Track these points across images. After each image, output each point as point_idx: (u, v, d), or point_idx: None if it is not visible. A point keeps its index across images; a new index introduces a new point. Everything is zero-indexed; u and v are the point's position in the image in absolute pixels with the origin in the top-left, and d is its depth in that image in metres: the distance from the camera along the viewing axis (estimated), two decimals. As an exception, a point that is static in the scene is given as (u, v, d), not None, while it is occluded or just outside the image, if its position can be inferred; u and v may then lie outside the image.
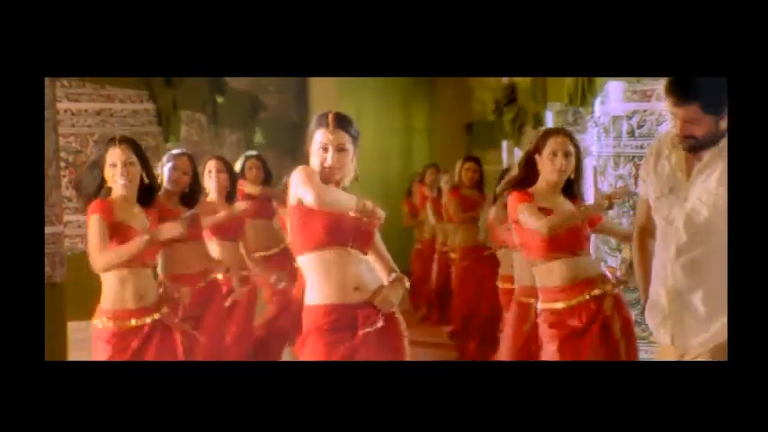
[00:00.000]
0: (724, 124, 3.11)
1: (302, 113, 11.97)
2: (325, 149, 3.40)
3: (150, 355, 3.86)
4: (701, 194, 3.12)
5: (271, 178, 6.64)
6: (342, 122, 3.42)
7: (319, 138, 3.40)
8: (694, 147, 3.19)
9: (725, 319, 2.96)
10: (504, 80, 11.04)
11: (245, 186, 6.55)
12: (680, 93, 3.12)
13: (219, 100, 7.52)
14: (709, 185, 3.11)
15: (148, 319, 3.90)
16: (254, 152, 6.95)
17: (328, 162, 3.39)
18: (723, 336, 2.93)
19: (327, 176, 3.40)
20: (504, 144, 10.55)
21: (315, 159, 3.43)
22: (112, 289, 3.88)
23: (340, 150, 3.39)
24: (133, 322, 3.87)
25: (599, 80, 5.24)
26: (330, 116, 3.43)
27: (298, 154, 10.21)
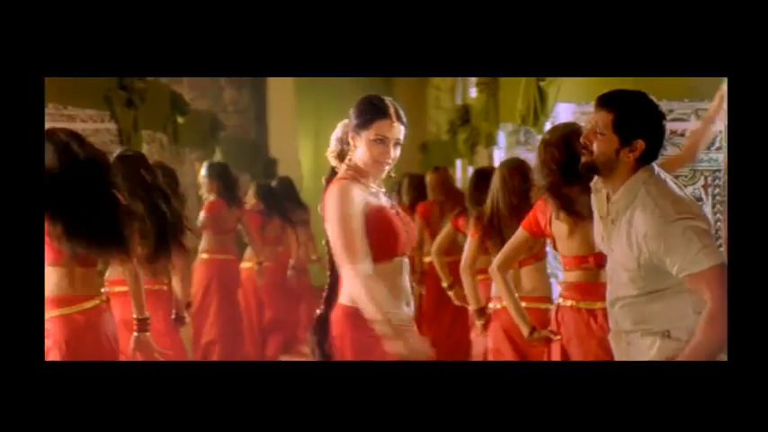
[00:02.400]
0: (628, 161, 2.96)
1: (261, 133, 11.96)
2: (384, 142, 3.17)
3: None
4: (626, 243, 2.99)
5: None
6: (401, 114, 3.22)
7: (378, 128, 3.16)
8: (585, 164, 3.04)
9: (656, 348, 2.98)
10: (458, 101, 11.11)
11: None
12: (603, 96, 3.03)
13: (180, 120, 7.48)
14: (631, 233, 2.96)
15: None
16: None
17: (391, 156, 3.18)
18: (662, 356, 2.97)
19: (375, 171, 3.22)
20: (459, 163, 10.60)
21: (365, 151, 3.19)
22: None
23: (397, 145, 3.21)
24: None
25: (551, 101, 5.30)
26: (391, 106, 3.19)
27: (255, 171, 10.06)
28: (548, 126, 5.62)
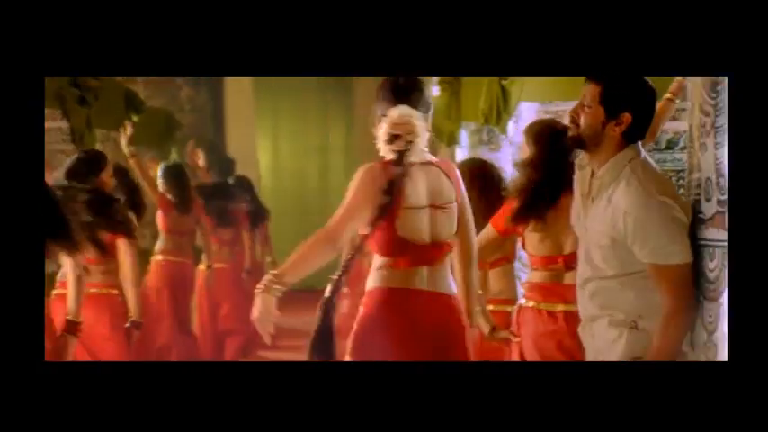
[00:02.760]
0: (614, 135, 2.98)
1: (218, 132, 11.88)
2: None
3: None
4: (601, 221, 3.00)
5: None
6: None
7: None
8: (573, 138, 3.06)
9: (623, 340, 3.00)
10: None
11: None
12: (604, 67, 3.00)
13: (135, 119, 7.42)
14: (609, 210, 2.97)
15: None
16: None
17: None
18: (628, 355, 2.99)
19: None
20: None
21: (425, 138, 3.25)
22: None
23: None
24: None
25: (513, 100, 5.31)
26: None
27: (213, 171, 9.97)
28: (510, 125, 5.64)
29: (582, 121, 3.03)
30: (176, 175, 7.29)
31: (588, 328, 3.13)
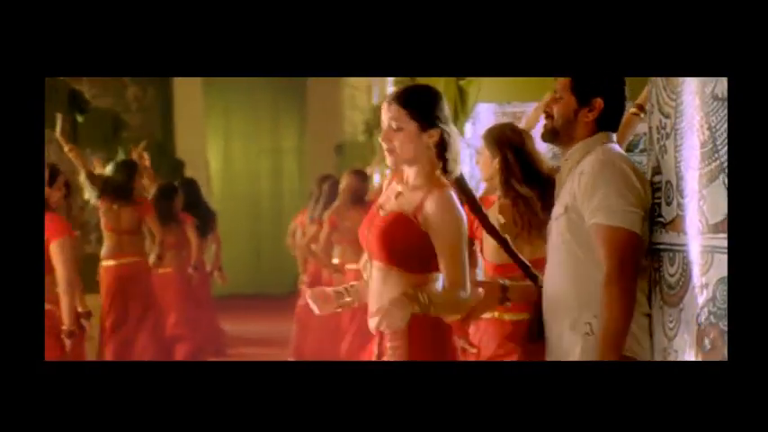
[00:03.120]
0: (587, 122, 3.01)
1: (166, 133, 11.81)
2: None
3: None
4: (562, 196, 3.03)
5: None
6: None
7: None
8: (549, 131, 3.09)
9: (578, 348, 3.00)
10: (375, 101, 11.11)
11: None
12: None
13: (80, 119, 7.36)
14: (570, 179, 3.00)
15: None
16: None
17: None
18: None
19: None
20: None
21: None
22: None
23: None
24: None
25: (471, 101, 5.32)
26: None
27: (161, 173, 9.95)
28: (468, 127, 5.65)
29: (555, 112, 3.06)
30: (120, 170, 7.14)
31: (550, 336, 3.13)
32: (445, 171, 3.13)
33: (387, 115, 3.13)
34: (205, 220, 8.53)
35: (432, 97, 3.16)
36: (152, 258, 7.23)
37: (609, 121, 3.07)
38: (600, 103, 3.02)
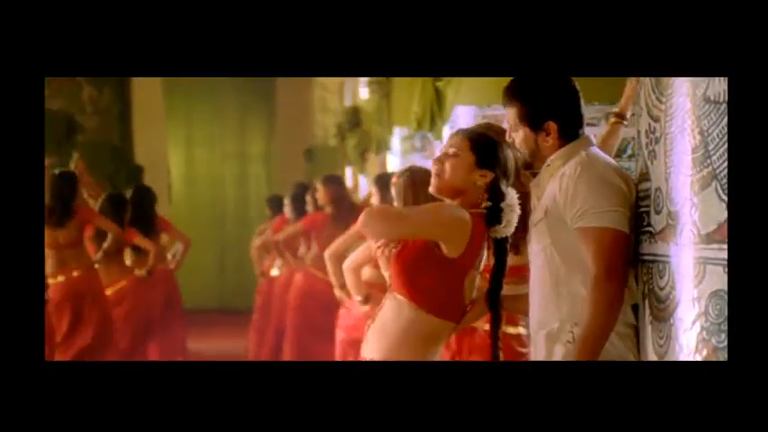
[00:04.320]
0: (550, 145, 3.06)
1: (124, 137, 11.76)
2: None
3: None
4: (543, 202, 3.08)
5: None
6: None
7: None
8: (522, 164, 3.18)
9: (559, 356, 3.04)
10: (347, 103, 11.13)
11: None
12: (504, 91, 3.13)
13: (30, 121, 7.31)
14: (551, 184, 3.05)
15: None
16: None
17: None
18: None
19: None
20: (349, 171, 10.62)
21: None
22: None
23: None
24: None
25: (449, 104, 5.34)
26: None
27: (118, 179, 9.90)
28: (446, 131, 5.66)
29: (517, 144, 3.14)
30: (56, 185, 7.06)
31: (533, 347, 3.17)
32: (494, 223, 3.20)
33: (448, 142, 3.26)
34: (149, 225, 8.39)
35: (498, 140, 3.25)
36: (140, 271, 7.27)
37: (573, 130, 3.12)
38: (553, 125, 3.08)
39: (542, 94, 3.10)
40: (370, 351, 3.21)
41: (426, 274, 3.14)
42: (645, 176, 3.02)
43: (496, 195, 3.20)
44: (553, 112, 3.09)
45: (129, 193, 8.07)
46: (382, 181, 5.73)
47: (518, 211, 3.23)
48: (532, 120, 3.08)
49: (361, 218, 3.11)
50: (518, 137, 3.12)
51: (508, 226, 3.22)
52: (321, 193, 7.30)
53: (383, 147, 8.19)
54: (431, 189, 3.24)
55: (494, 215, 3.19)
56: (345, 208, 7.17)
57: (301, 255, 7.93)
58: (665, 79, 2.86)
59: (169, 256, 8.51)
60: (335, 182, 7.44)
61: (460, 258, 3.12)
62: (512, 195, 3.23)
